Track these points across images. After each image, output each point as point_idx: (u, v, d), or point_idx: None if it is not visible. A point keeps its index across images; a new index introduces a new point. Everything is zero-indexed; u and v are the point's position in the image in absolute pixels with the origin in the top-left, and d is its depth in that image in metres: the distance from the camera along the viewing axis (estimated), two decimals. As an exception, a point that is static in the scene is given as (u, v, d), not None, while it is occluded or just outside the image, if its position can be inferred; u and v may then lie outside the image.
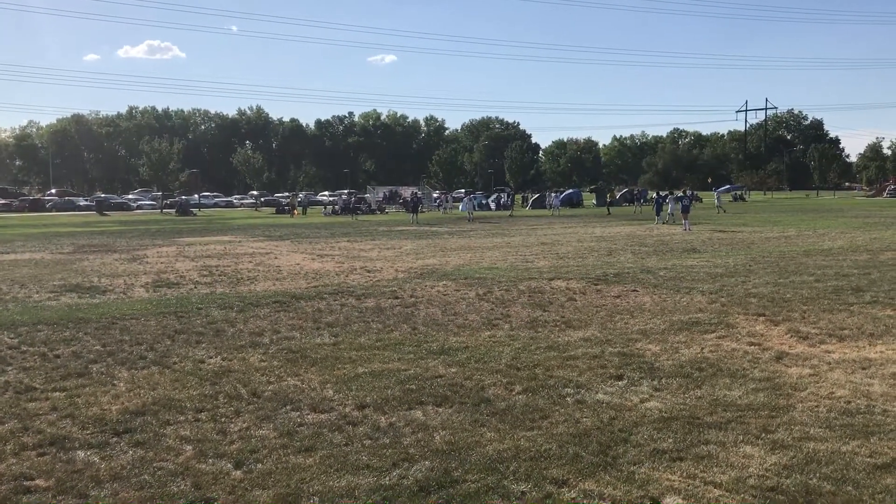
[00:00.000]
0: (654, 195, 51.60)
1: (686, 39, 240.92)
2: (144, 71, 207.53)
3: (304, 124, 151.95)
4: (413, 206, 48.46)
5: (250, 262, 20.49)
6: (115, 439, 6.20)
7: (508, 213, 57.18)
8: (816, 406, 6.78)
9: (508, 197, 70.69)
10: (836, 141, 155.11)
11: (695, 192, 69.22)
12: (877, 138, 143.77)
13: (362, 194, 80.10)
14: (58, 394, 7.52)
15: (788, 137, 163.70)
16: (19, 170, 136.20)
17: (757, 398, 7.04)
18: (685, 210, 33.30)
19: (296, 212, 59.93)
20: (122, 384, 7.86)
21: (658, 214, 40.60)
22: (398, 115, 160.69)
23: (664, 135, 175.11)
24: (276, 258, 21.51)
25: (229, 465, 5.62)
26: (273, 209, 69.98)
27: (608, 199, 56.02)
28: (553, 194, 65.69)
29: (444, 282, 15.38)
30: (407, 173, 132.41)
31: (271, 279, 16.45)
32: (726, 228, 32.44)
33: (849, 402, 6.87)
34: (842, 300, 12.28)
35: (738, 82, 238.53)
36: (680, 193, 43.83)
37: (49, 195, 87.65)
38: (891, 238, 25.16)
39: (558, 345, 9.39)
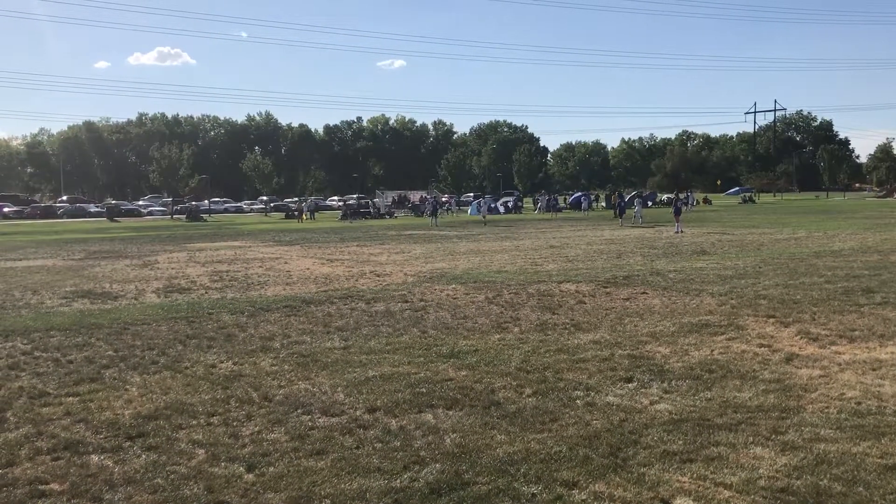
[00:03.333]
0: (616, 196, 52.29)
1: (694, 41, 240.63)
2: (154, 78, 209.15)
3: (312, 129, 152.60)
4: (432, 209, 48.45)
5: (260, 266, 20.57)
6: (128, 443, 6.25)
7: (585, 212, 57.79)
8: (827, 407, 6.77)
9: (519, 200, 71.10)
10: (846, 142, 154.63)
11: (690, 194, 69.41)
12: (887, 139, 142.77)
13: (370, 198, 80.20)
14: (71, 399, 7.58)
15: (798, 139, 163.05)
16: (31, 177, 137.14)
17: (767, 400, 7.03)
18: (677, 212, 33.35)
19: (304, 216, 60.09)
20: (134, 389, 7.92)
21: (621, 216, 40.81)
22: (406, 119, 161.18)
23: (673, 137, 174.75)
24: (286, 263, 21.58)
25: (241, 468, 5.66)
26: (283, 214, 70.17)
27: (615, 203, 56.35)
28: (546, 196, 66.64)
29: (454, 285, 15.41)
30: (415, 177, 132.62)
31: (281, 284, 16.52)
32: (735, 231, 32.33)
33: (859, 403, 6.86)
34: (852, 301, 12.23)
35: (747, 84, 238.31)
36: (674, 196, 44.19)
37: (60, 202, 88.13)
38: (902, 239, 25.02)
39: (568, 347, 9.40)
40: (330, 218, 62.01)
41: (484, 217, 47.79)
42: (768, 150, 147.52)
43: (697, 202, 72.52)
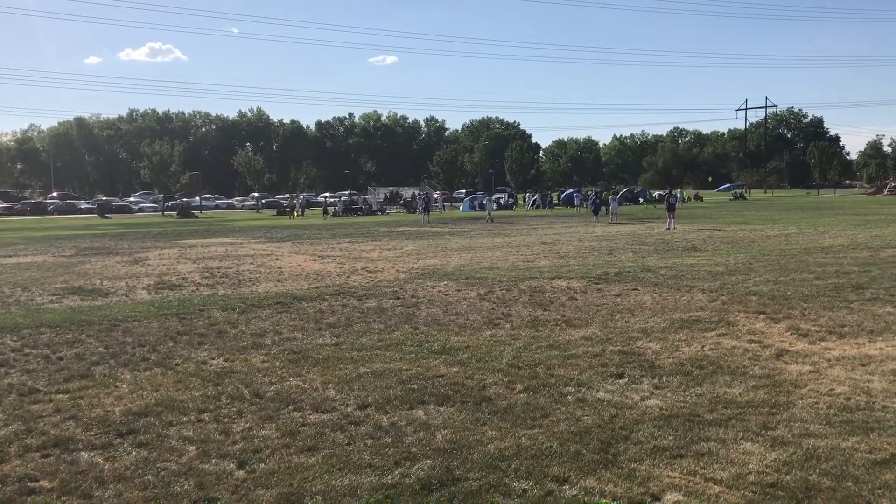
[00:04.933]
0: (592, 193, 52.33)
1: (685, 38, 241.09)
2: (146, 73, 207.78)
3: (304, 125, 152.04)
4: (425, 206, 48.24)
5: (252, 263, 20.53)
6: (118, 440, 6.23)
7: (577, 209, 57.11)
8: (816, 403, 6.81)
9: (512, 197, 71.15)
10: (837, 139, 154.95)
11: (680, 191, 69.71)
12: (877, 136, 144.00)
13: (362, 195, 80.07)
14: (61, 396, 7.55)
15: (788, 135, 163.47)
16: (21, 173, 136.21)
17: (757, 395, 7.06)
18: (671, 208, 33.70)
19: (295, 213, 60.06)
20: (124, 386, 7.90)
21: (596, 214, 40.91)
22: (398, 115, 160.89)
23: (664, 133, 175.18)
24: (277, 259, 21.54)
25: (232, 465, 5.65)
26: (274, 211, 70.04)
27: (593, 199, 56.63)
28: (538, 193, 66.95)
29: (445, 282, 15.41)
30: (408, 174, 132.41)
31: (273, 280, 16.48)
32: (726, 227, 32.44)
33: (848, 399, 6.90)
34: (842, 297, 12.29)
35: (738, 81, 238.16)
36: (666, 192, 44.36)
37: (51, 198, 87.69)
38: (891, 235, 25.17)
39: (559, 343, 9.42)
40: (321, 214, 61.89)
41: (489, 214, 47.12)
42: (759, 146, 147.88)
43: (689, 199, 72.79)
